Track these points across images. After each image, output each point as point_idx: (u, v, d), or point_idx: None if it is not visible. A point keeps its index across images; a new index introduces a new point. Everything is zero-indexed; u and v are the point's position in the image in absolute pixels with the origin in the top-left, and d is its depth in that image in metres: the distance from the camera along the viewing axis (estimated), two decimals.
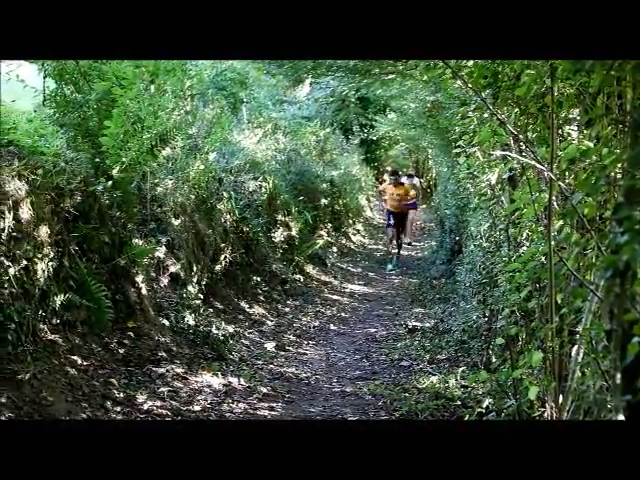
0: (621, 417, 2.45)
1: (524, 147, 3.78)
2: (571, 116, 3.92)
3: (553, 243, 3.24)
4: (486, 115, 4.76)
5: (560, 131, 3.74)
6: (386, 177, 20.80)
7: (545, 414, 3.71)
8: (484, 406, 5.23)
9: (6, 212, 4.77)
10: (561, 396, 3.37)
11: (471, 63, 4.11)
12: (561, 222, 3.56)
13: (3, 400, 4.38)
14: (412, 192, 17.14)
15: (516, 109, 4.04)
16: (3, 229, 4.74)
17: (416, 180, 22.99)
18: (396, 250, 16.84)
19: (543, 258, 3.67)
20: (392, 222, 16.41)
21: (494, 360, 5.97)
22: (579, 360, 3.24)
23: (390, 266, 16.10)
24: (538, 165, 3.41)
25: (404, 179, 20.25)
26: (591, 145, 3.13)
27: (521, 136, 3.89)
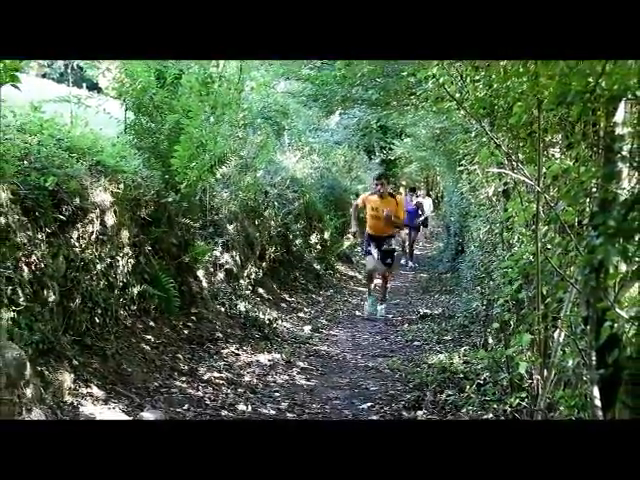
0: (596, 390, 2.44)
1: (516, 165, 3.76)
2: (554, 140, 3.90)
3: (540, 244, 3.23)
4: (485, 139, 4.74)
5: (545, 152, 3.72)
6: (402, 191, 17.63)
7: (532, 385, 3.69)
8: (482, 378, 5.22)
9: (94, 219, 4.84)
10: (545, 370, 3.35)
11: (473, 97, 4.09)
12: (546, 227, 3.56)
13: (92, 370, 4.46)
14: (401, 213, 9.53)
15: (509, 134, 4.02)
16: (92, 233, 4.81)
17: (428, 202, 17.99)
18: (378, 283, 9.82)
19: (531, 257, 3.65)
20: (372, 251, 9.29)
21: (491, 341, 5.94)
22: (561, 341, 3.23)
23: (368, 306, 9.44)
24: (527, 180, 3.40)
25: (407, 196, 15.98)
26: (571, 164, 3.12)
27: (513, 156, 3.87)
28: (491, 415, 4.48)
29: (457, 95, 4.19)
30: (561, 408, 3.18)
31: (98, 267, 4.87)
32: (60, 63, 23.34)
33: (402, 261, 14.97)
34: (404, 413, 4.98)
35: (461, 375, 5.71)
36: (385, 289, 9.66)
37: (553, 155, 3.85)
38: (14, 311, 3.77)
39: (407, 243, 15.58)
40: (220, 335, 6.42)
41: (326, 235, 12.91)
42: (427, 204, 17.39)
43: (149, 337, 5.49)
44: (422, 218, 16.08)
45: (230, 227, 8.23)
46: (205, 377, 5.34)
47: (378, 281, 9.60)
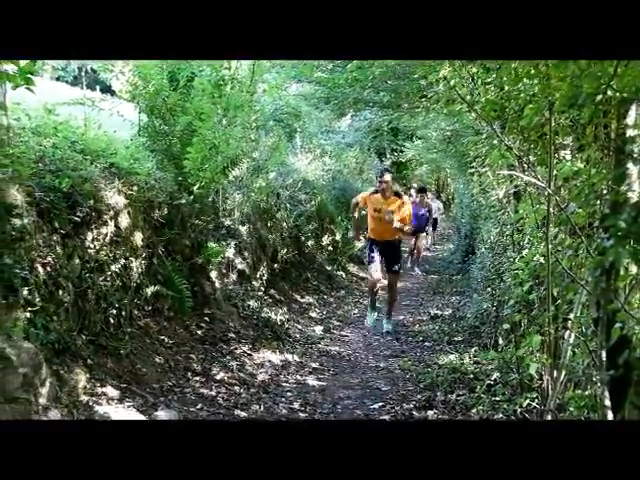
0: (606, 391, 2.44)
1: (527, 167, 3.76)
2: (565, 142, 3.89)
3: (550, 246, 3.22)
4: (495, 142, 4.73)
5: (556, 154, 3.71)
6: (413, 192, 16.89)
7: (543, 386, 3.69)
8: (492, 379, 5.21)
9: (109, 221, 4.86)
10: (555, 371, 3.35)
11: (484, 99, 4.09)
12: (557, 229, 3.55)
13: (107, 369, 4.49)
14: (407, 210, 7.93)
15: (520, 136, 4.02)
16: (106, 234, 4.84)
17: (436, 204, 17.54)
18: (383, 285, 8.52)
19: (542, 259, 3.65)
20: (376, 258, 8.14)
21: (501, 342, 5.93)
22: (571, 342, 3.23)
23: (370, 320, 8.49)
24: (538, 182, 3.39)
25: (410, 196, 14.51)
26: (582, 166, 3.12)
27: (524, 159, 3.87)
28: (501, 415, 4.48)
29: (468, 97, 4.19)
30: (571, 409, 3.18)
31: (112, 268, 4.90)
32: (74, 66, 23.50)
33: (413, 273, 14.20)
34: (415, 413, 4.98)
35: (471, 375, 5.71)
36: (392, 303, 8.53)
37: (564, 157, 3.85)
38: (30, 311, 3.81)
39: (414, 249, 14.60)
40: (233, 335, 6.44)
41: (338, 236, 12.91)
42: (435, 206, 16.97)
43: (163, 337, 5.51)
44: (431, 219, 15.59)
45: (243, 229, 8.25)
46: (218, 377, 5.36)
47: (384, 282, 8.49)
